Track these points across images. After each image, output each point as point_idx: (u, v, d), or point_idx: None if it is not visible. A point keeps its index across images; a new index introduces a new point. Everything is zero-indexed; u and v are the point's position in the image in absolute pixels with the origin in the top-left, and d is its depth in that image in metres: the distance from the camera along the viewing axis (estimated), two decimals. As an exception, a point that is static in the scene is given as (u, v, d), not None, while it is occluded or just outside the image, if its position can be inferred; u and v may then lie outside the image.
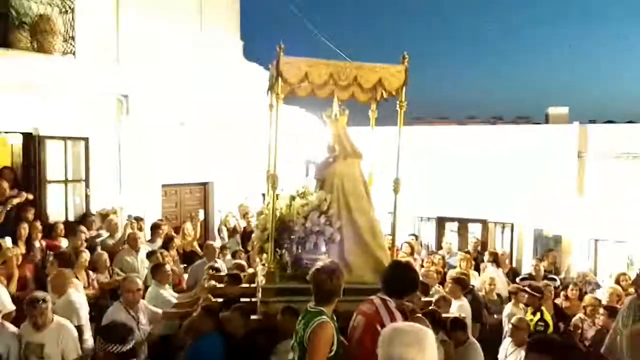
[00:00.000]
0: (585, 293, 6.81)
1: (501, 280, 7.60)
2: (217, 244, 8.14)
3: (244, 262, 6.70)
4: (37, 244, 6.86)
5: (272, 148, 4.91)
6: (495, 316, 6.76)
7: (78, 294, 5.27)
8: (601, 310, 5.79)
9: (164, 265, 5.98)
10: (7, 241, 6.10)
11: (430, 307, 4.94)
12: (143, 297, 5.13)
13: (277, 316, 4.19)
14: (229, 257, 7.65)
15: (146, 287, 5.71)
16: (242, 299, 4.81)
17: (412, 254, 8.08)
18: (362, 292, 3.84)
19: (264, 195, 7.89)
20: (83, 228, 7.35)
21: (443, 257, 8.28)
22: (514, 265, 9.45)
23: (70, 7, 7.99)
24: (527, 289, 6.11)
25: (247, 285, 5.38)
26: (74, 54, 8.00)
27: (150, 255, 6.85)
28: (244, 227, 9.46)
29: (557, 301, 6.88)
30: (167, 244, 7.58)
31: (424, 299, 5.24)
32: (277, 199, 4.66)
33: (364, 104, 5.57)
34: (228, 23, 10.76)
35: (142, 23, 8.81)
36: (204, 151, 9.85)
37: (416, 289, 3.82)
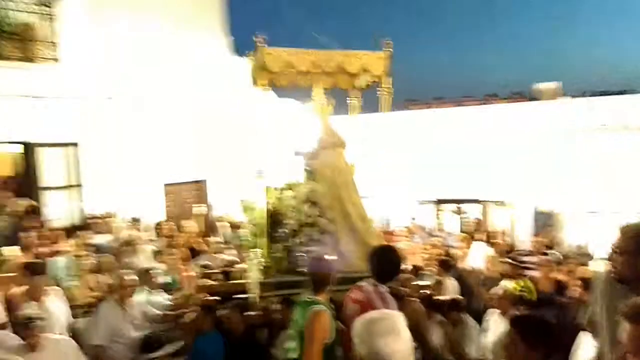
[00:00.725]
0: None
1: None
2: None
3: (236, 258, 6.67)
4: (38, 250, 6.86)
5: (260, 140, 4.94)
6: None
7: (54, 303, 4.76)
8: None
9: (148, 271, 5.61)
10: (14, 250, 6.02)
11: (426, 291, 4.96)
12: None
13: (275, 310, 4.22)
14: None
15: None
16: (237, 296, 4.83)
17: (409, 236, 8.09)
18: (358, 281, 3.86)
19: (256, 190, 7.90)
20: (83, 233, 7.36)
21: (443, 239, 8.30)
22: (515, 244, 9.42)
23: (52, 14, 7.96)
24: (509, 260, 6.17)
25: (239, 281, 5.38)
26: (57, 60, 7.99)
27: (156, 255, 6.85)
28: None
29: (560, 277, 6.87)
30: (172, 242, 7.57)
31: (419, 282, 5.28)
32: (267, 192, 4.68)
33: (348, 92, 5.60)
34: (213, 20, 10.75)
35: (126, 24, 8.79)
36: (196, 149, 9.86)
37: (399, 272, 3.81)
